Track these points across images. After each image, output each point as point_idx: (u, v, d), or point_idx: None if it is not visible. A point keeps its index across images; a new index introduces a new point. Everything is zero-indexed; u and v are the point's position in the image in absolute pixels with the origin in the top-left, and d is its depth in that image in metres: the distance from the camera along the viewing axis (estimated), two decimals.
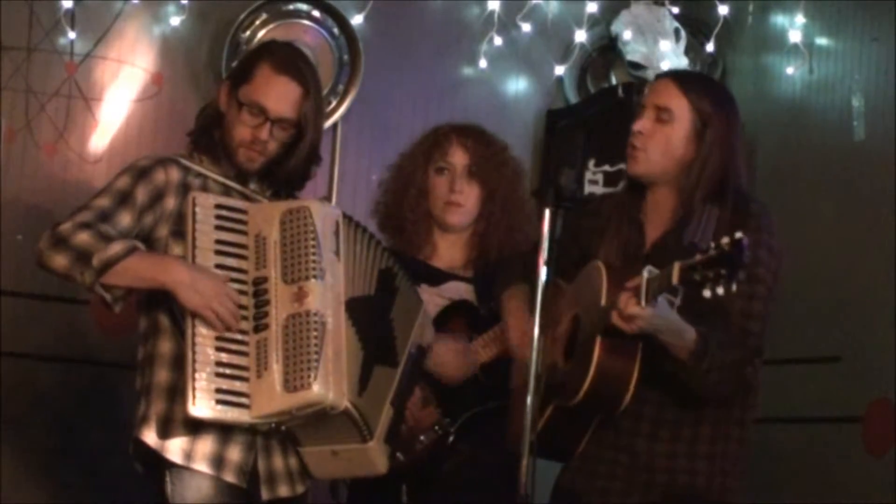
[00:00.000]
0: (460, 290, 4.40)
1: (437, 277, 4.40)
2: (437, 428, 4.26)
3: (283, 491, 3.82)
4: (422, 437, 4.24)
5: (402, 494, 4.27)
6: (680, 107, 3.73)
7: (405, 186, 4.46)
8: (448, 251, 4.46)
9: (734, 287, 3.29)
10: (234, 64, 4.21)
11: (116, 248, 3.64)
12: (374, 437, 3.74)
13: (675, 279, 3.36)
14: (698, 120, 3.73)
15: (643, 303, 3.44)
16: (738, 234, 3.29)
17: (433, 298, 4.30)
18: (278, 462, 3.81)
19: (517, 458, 3.51)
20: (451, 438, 4.26)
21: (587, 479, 3.77)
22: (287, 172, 3.85)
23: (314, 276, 3.69)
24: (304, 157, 3.85)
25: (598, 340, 3.58)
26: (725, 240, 3.29)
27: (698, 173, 3.71)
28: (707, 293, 3.31)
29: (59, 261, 3.65)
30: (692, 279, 3.33)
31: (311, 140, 3.85)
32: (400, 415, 3.87)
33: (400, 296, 3.94)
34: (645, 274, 3.45)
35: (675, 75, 3.85)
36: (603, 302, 3.59)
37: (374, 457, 3.77)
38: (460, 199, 4.41)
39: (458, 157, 4.43)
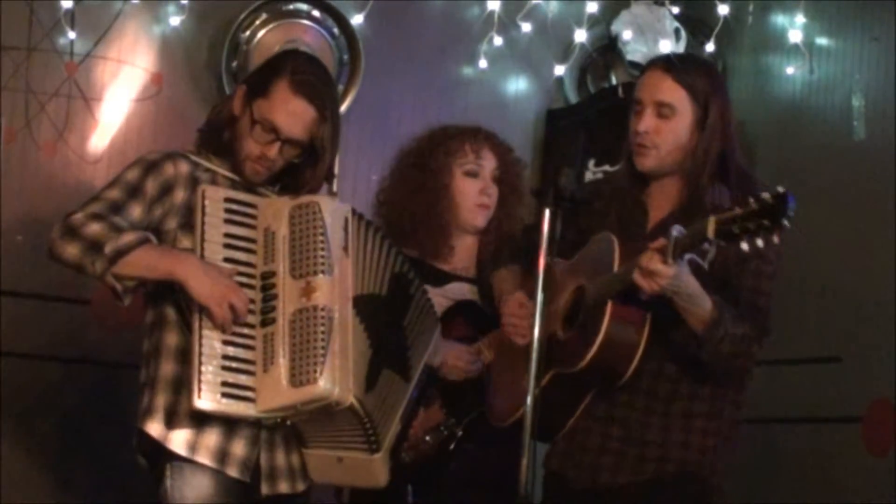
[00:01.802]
0: (464, 290, 4.40)
1: (441, 278, 4.40)
2: (442, 428, 4.26)
3: (283, 487, 3.82)
4: (427, 438, 4.24)
5: (407, 494, 4.27)
6: (680, 99, 3.74)
7: (435, 188, 4.43)
8: (462, 253, 4.46)
9: (775, 239, 3.27)
10: (255, 69, 4.17)
11: (129, 237, 3.64)
12: (381, 448, 3.75)
13: (710, 233, 3.35)
14: (698, 106, 3.74)
15: (670, 260, 3.43)
16: (781, 189, 3.27)
17: (437, 299, 4.29)
18: (280, 458, 3.81)
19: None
20: (456, 438, 4.26)
21: (576, 454, 3.77)
22: (300, 189, 3.86)
23: (322, 272, 3.70)
24: (321, 178, 3.86)
25: (609, 306, 3.57)
26: (766, 194, 3.28)
27: (703, 155, 3.72)
28: (745, 246, 3.29)
29: (71, 250, 3.65)
30: (730, 232, 3.31)
31: (329, 162, 3.85)
32: (405, 431, 3.89)
33: (415, 306, 3.94)
34: (673, 232, 3.44)
35: (665, 66, 3.81)
36: (615, 268, 3.59)
37: (378, 469, 3.78)
38: (490, 202, 4.44)
39: (489, 160, 4.46)
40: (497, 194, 4.47)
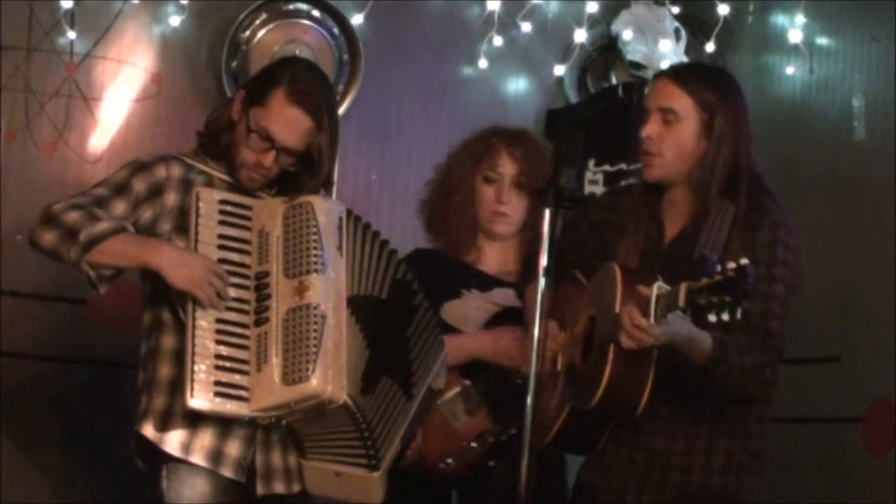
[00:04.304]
0: (509, 296, 4.35)
1: (487, 283, 4.36)
2: (488, 435, 4.22)
3: (279, 488, 3.81)
4: (473, 444, 4.22)
5: (451, 500, 4.25)
6: (684, 106, 3.70)
7: (451, 192, 4.41)
8: (495, 258, 4.43)
9: (738, 315, 3.26)
10: (254, 75, 4.17)
11: (104, 225, 3.65)
12: (381, 467, 3.74)
13: (681, 301, 3.34)
14: (704, 114, 3.69)
15: (652, 320, 3.41)
16: (744, 261, 3.26)
17: (484, 304, 4.27)
18: (277, 459, 3.81)
19: (563, 465, 3.50)
20: (502, 445, 4.22)
21: (604, 476, 3.76)
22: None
23: (315, 271, 3.70)
24: (318, 186, 3.85)
25: (612, 349, 3.54)
26: (732, 265, 3.26)
27: (711, 166, 3.68)
28: (713, 318, 3.28)
29: (48, 237, 3.67)
30: (697, 303, 3.30)
31: (327, 171, 3.85)
32: (403, 452, 3.86)
33: (419, 320, 3.90)
34: (654, 290, 3.41)
35: (673, 73, 3.80)
36: (617, 308, 3.56)
37: (375, 489, 3.77)
38: (507, 210, 4.36)
39: (507, 167, 4.38)
40: (522, 201, 4.38)
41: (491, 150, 4.41)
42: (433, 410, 4.18)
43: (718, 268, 3.29)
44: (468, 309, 4.33)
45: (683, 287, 3.33)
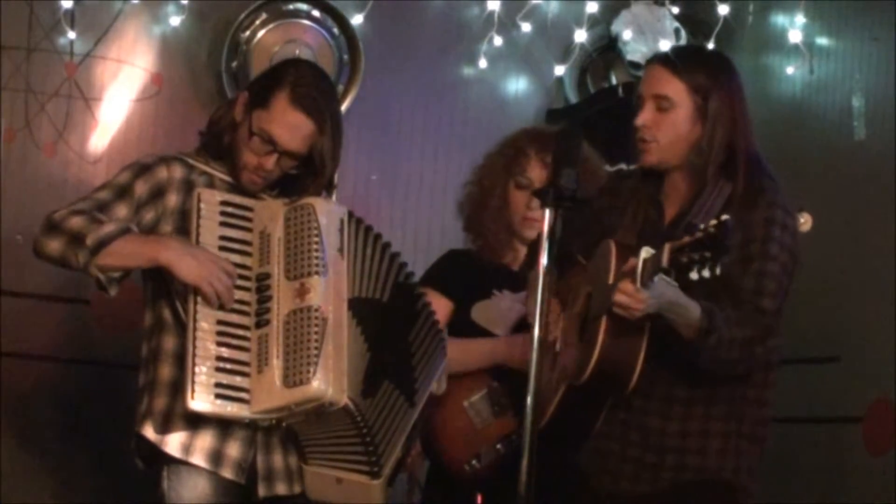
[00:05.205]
0: None
1: (520, 284, 4.36)
2: (514, 437, 4.21)
3: (281, 489, 3.81)
4: (498, 446, 4.21)
5: (476, 502, 4.25)
6: (677, 91, 3.71)
7: (486, 196, 4.42)
8: None
9: (718, 271, 3.26)
10: (258, 76, 4.15)
11: (109, 227, 3.65)
12: (382, 474, 3.73)
13: (664, 261, 3.34)
14: (698, 97, 3.70)
15: (638, 284, 3.41)
16: (724, 217, 3.27)
17: (514, 305, 4.27)
18: (278, 460, 3.81)
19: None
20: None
21: (599, 459, 3.76)
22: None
23: (316, 273, 3.70)
24: (321, 189, 3.85)
25: (604, 320, 3.56)
26: (713, 221, 3.28)
27: (707, 148, 3.69)
28: (694, 276, 3.29)
29: (53, 245, 3.66)
30: (680, 261, 3.31)
31: (329, 175, 3.84)
32: (403, 460, 3.85)
33: (422, 324, 3.87)
34: (642, 254, 3.42)
35: (664, 59, 3.79)
36: (610, 280, 3.57)
37: (376, 495, 3.76)
38: (537, 215, 4.35)
39: (537, 173, 4.35)
40: None
41: (521, 155, 4.40)
42: (459, 411, 4.21)
43: (701, 226, 3.30)
44: (497, 309, 4.34)
45: (667, 246, 3.34)
